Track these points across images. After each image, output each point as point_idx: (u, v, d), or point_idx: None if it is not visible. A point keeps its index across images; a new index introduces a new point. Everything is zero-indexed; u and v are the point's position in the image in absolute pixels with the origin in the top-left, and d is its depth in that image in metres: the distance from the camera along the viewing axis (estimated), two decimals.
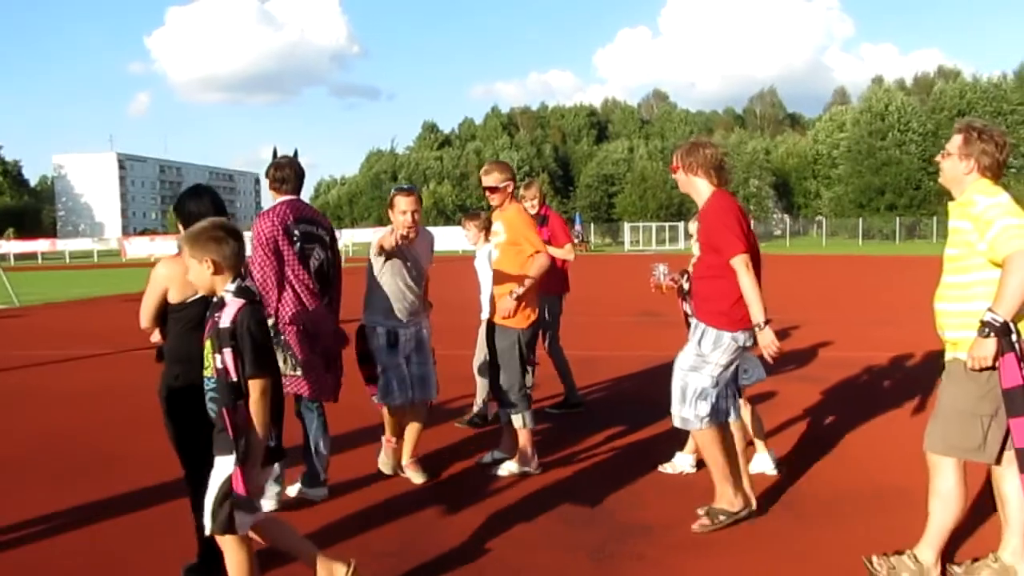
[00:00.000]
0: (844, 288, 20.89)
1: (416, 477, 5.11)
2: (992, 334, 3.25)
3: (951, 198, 3.55)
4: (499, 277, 5.28)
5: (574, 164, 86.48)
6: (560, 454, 5.66)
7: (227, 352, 2.95)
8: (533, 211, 6.68)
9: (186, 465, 3.59)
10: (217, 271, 3.02)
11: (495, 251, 5.44)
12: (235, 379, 2.95)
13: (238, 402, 2.97)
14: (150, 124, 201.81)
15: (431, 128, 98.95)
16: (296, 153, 4.91)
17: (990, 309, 3.26)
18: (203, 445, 3.14)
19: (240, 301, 2.99)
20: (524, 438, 5.23)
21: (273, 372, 3.07)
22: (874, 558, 3.63)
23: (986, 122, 3.60)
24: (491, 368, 5.37)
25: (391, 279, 4.98)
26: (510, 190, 5.38)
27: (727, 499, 4.25)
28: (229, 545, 3.11)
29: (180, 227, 3.70)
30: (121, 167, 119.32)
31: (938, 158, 3.58)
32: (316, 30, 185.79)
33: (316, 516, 4.50)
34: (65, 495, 4.89)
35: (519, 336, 5.19)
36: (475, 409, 6.58)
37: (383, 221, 69.39)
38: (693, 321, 4.33)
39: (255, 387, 2.95)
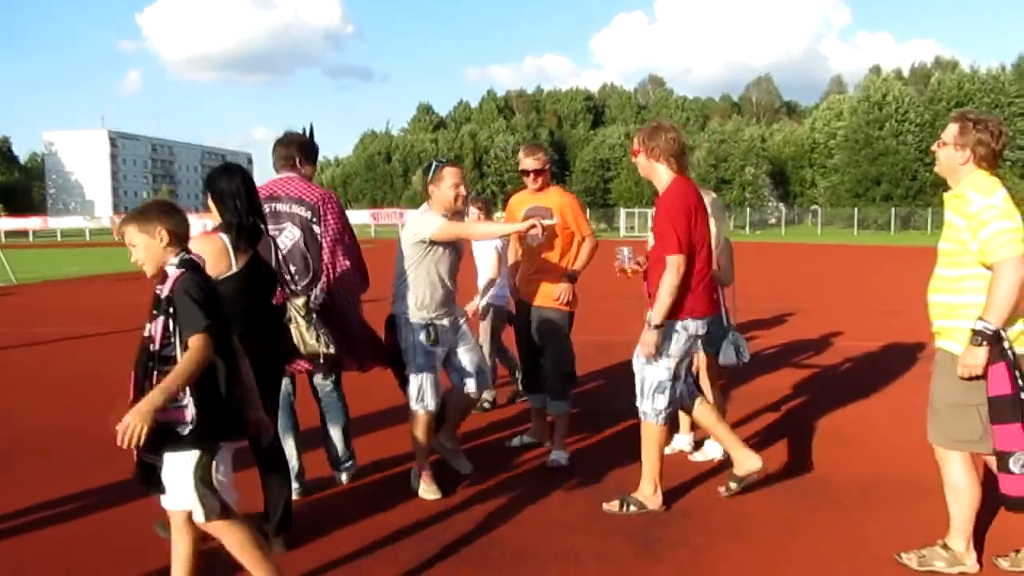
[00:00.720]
0: (843, 277, 20.86)
1: (427, 490, 4.49)
2: (984, 343, 3.25)
3: (947, 188, 3.53)
4: (546, 262, 5.05)
5: (570, 149, 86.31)
6: (587, 439, 5.58)
7: (159, 320, 2.85)
8: None
9: None
10: (171, 242, 2.93)
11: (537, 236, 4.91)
12: (157, 347, 2.84)
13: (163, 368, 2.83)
14: (142, 102, 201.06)
15: (426, 110, 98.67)
16: (304, 130, 4.73)
17: (981, 318, 3.26)
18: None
19: (180, 270, 2.89)
20: (567, 425, 5.11)
21: (218, 335, 2.87)
22: (902, 554, 3.58)
23: (982, 112, 3.60)
24: (527, 353, 5.24)
25: (432, 267, 4.46)
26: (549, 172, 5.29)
27: (646, 495, 4.24)
28: (224, 529, 2.95)
29: (211, 204, 3.64)
30: (112, 145, 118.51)
31: (934, 147, 3.57)
32: (310, 9, 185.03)
33: (342, 500, 4.41)
34: (76, 480, 4.76)
35: (568, 319, 5.09)
36: (484, 395, 6.47)
37: (377, 203, 69.36)
38: (647, 311, 4.23)
39: (192, 343, 2.79)
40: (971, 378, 3.31)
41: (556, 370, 5.08)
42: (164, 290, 2.89)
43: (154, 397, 2.72)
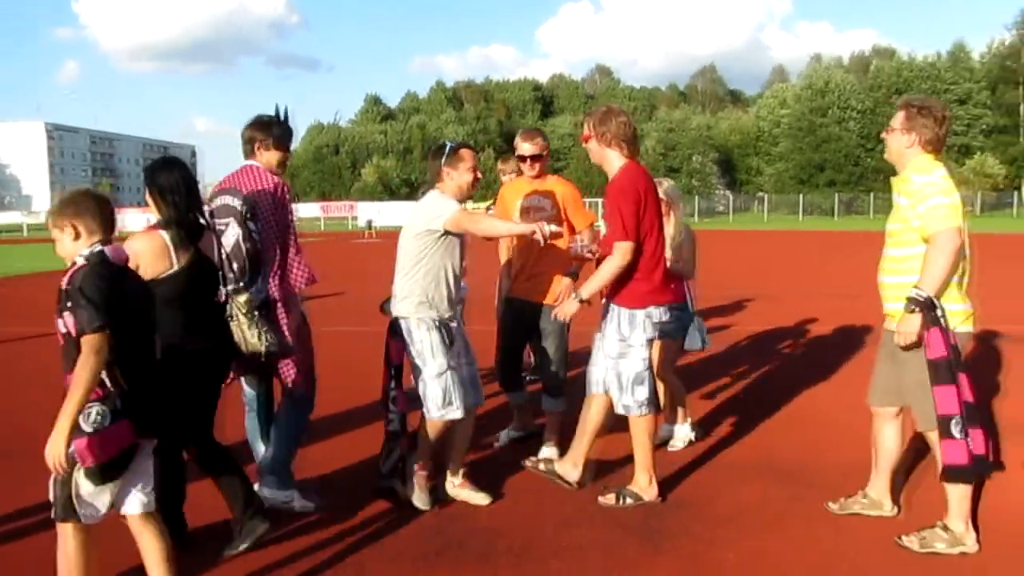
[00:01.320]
0: (794, 262, 21.29)
1: (475, 496, 4.32)
2: (917, 309, 3.45)
3: (891, 174, 3.74)
4: (552, 256, 4.73)
5: None
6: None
7: (66, 315, 2.80)
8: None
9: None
10: (81, 236, 2.88)
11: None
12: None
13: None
14: (81, 93, 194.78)
15: (375, 101, 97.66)
16: (278, 112, 4.22)
17: (915, 285, 3.46)
18: (177, 419, 3.26)
19: (80, 264, 2.84)
20: (560, 422, 5.00)
21: (114, 333, 2.76)
22: (903, 536, 3.69)
23: (928, 98, 3.81)
24: (510, 351, 5.14)
25: (441, 260, 4.09)
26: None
27: (641, 486, 4.28)
28: (63, 533, 2.89)
29: (149, 200, 3.56)
30: (49, 137, 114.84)
31: (883, 134, 3.77)
32: None
33: (342, 497, 4.37)
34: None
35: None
36: None
37: (326, 195, 68.11)
38: (606, 303, 4.26)
39: (84, 344, 2.72)
40: (907, 347, 3.53)
41: (556, 368, 4.94)
42: (64, 282, 2.83)
43: (61, 426, 2.68)
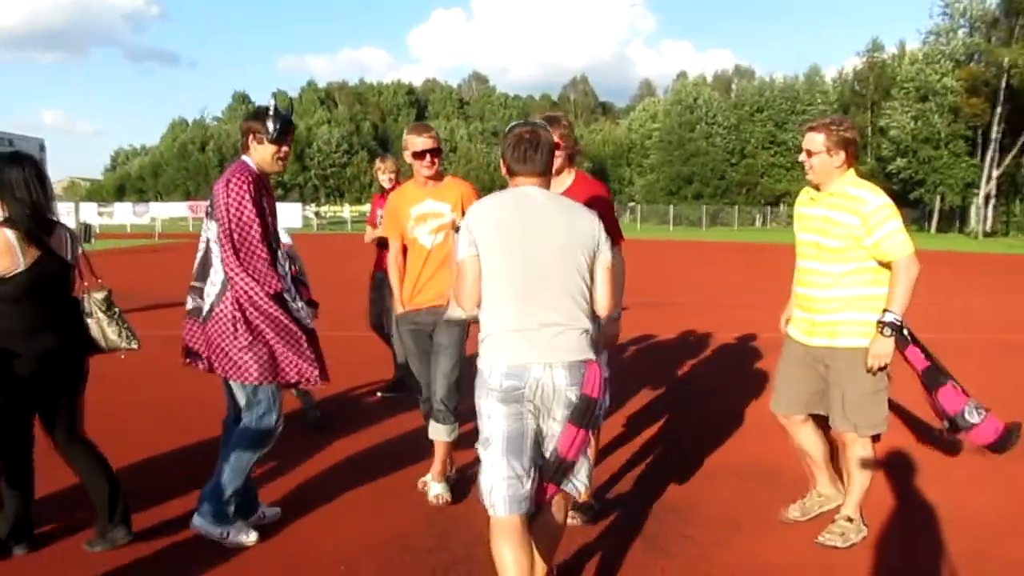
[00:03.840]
0: (675, 271, 22.07)
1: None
2: (893, 333, 3.64)
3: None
4: (444, 262, 4.32)
5: (394, 143, 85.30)
6: None
7: None
8: (389, 185, 6.49)
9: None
10: None
11: (433, 235, 4.44)
12: None
13: None
14: None
15: (242, 99, 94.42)
16: (277, 107, 3.89)
17: (888, 310, 3.64)
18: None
19: None
20: (446, 451, 4.50)
21: None
22: (824, 536, 3.89)
23: (835, 117, 3.91)
24: (413, 366, 4.64)
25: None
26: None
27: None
28: None
29: None
30: None
31: (802, 158, 3.83)
32: None
33: (349, 511, 4.23)
34: None
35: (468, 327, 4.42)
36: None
37: (191, 194, 64.90)
38: None
39: None
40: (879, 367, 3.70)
41: (447, 389, 4.38)
42: None
43: None
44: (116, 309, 3.68)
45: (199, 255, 3.84)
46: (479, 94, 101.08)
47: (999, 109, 49.41)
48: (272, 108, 3.86)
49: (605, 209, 3.71)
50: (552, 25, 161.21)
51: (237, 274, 3.67)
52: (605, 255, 3.03)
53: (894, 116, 53.35)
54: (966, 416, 3.70)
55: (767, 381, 7.44)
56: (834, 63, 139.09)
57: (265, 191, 3.84)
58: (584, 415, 2.90)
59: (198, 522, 3.82)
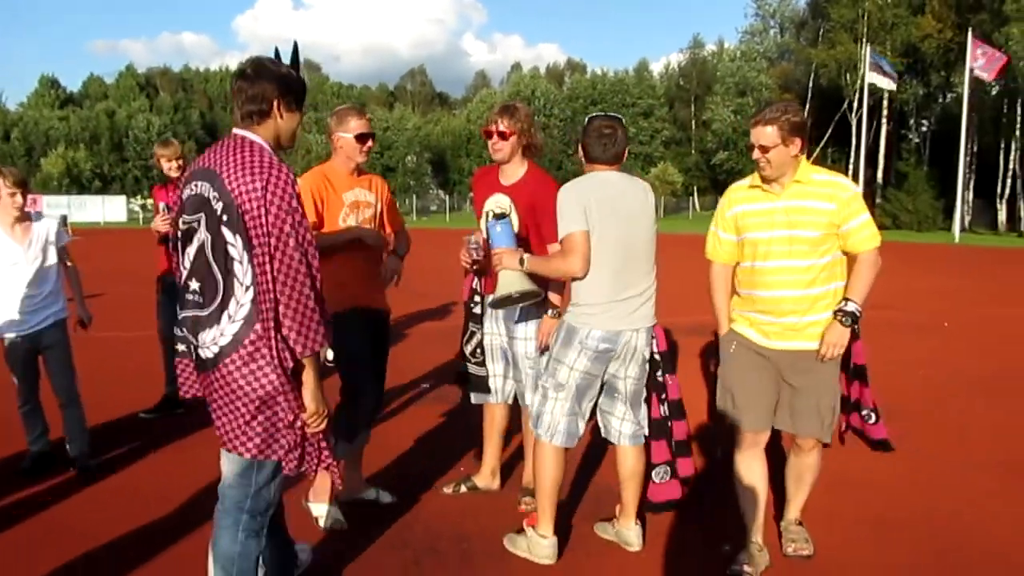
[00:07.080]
0: None
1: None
2: (853, 324, 3.52)
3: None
4: (370, 264, 4.27)
5: (222, 132, 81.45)
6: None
7: None
8: (176, 175, 5.82)
9: None
10: None
11: (370, 224, 4.25)
12: None
13: None
14: None
15: (51, 84, 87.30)
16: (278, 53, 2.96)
17: (850, 299, 3.51)
18: None
19: None
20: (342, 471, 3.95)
21: None
22: (786, 548, 3.88)
23: (782, 103, 3.62)
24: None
25: None
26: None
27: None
28: None
29: None
30: None
31: (756, 155, 3.53)
32: None
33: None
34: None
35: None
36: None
37: None
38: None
39: None
40: (824, 358, 3.57)
41: (376, 395, 4.29)
42: None
43: None
44: None
45: (187, 266, 2.78)
46: (311, 83, 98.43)
47: (807, 105, 53.55)
48: (292, 58, 2.94)
49: (551, 206, 3.75)
50: (384, 13, 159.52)
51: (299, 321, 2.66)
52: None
53: (716, 110, 56.70)
54: (878, 411, 3.83)
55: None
56: (662, 57, 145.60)
57: None
58: (668, 364, 3.77)
59: None
